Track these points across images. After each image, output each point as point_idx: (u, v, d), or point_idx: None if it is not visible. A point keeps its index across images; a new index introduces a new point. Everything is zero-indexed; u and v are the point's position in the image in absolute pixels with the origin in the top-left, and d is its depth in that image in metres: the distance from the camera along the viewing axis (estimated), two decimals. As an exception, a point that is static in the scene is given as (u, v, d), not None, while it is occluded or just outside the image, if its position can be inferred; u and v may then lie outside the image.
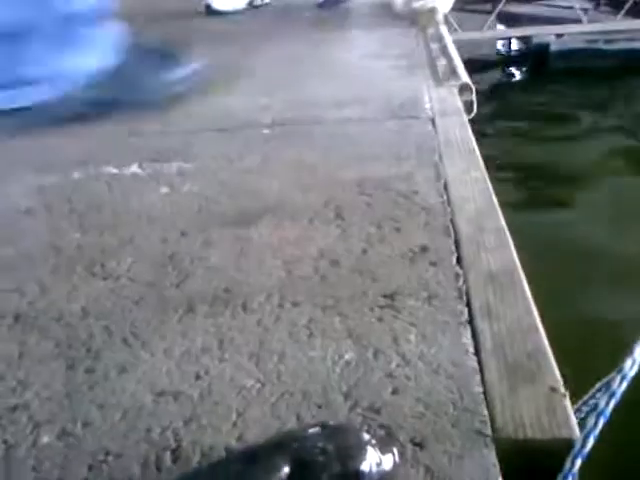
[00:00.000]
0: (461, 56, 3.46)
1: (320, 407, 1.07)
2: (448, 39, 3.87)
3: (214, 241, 1.66)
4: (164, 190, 2.02)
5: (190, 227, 1.75)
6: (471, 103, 2.80)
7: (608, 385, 1.01)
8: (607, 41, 9.47)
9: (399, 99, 2.76)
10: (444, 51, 3.56)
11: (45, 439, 1.04)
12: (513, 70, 9.83)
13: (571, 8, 8.69)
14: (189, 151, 2.34)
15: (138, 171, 2.18)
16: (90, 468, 0.97)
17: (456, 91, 2.85)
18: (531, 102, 7.97)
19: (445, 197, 1.81)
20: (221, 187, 2.00)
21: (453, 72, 3.10)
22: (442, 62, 3.34)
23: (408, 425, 1.02)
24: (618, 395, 0.97)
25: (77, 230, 1.78)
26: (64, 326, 1.34)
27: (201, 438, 1.02)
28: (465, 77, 2.98)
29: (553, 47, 9.32)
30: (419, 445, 0.98)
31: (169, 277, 1.50)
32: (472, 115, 2.69)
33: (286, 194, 1.91)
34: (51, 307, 1.42)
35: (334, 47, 4.16)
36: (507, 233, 1.60)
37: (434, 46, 3.73)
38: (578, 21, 8.51)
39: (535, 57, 9.43)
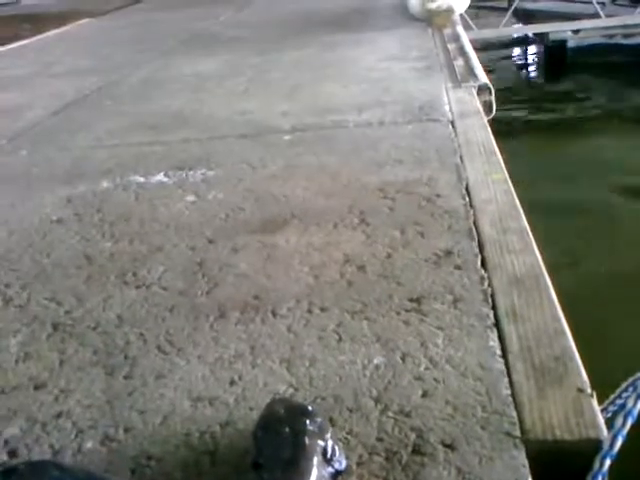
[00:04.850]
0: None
1: (351, 411, 1.10)
2: (465, 39, 3.88)
3: (241, 248, 1.70)
4: (190, 198, 2.06)
5: (217, 235, 1.79)
6: (490, 104, 2.82)
7: (635, 385, 1.03)
8: (625, 35, 9.36)
9: (418, 102, 2.78)
10: (461, 52, 3.57)
11: (89, 444, 1.08)
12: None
13: (588, 2, 8.60)
14: (212, 159, 2.39)
15: (164, 179, 2.23)
16: (133, 472, 1.01)
17: (475, 92, 2.87)
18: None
19: (467, 199, 1.83)
20: (246, 194, 2.04)
21: (471, 72, 3.11)
22: (460, 62, 3.35)
23: (438, 427, 1.05)
24: (646, 396, 0.98)
25: (108, 239, 1.84)
26: (101, 334, 1.39)
27: (238, 442, 1.05)
28: (483, 77, 3.00)
29: (570, 43, 9.23)
30: (450, 447, 1.01)
31: (199, 285, 1.55)
32: (492, 115, 2.71)
33: (310, 200, 1.94)
34: (87, 316, 1.46)
35: (352, 50, 4.19)
36: (530, 235, 1.62)
37: (451, 46, 3.74)
38: (595, 16, 8.43)
39: (552, 54, 9.35)
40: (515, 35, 10.31)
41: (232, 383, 1.19)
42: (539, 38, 9.79)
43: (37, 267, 1.72)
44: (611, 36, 9.30)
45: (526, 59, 10.27)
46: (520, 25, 9.42)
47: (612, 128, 6.49)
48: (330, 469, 0.91)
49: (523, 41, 10.32)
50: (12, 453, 1.08)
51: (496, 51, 9.74)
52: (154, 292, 1.54)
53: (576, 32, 9.06)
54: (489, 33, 8.30)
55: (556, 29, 8.81)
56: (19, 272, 1.70)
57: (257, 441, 0.95)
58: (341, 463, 0.93)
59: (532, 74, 9.75)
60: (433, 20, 4.42)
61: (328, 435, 0.94)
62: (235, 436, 1.07)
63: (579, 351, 1.21)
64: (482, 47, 7.91)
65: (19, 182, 2.38)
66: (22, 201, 2.19)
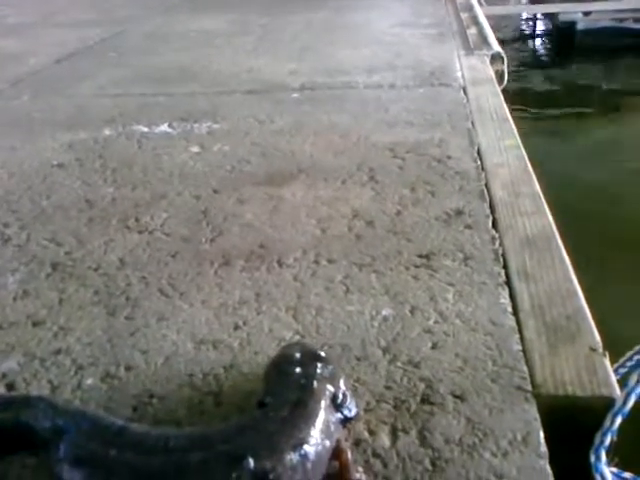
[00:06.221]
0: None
1: (359, 360, 1.07)
2: (478, 9, 3.81)
3: (247, 199, 1.66)
4: (195, 149, 2.02)
5: (222, 185, 1.75)
6: (502, 72, 2.76)
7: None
8: (637, 19, 9.24)
9: (430, 67, 2.73)
10: (474, 21, 3.50)
11: (89, 381, 1.05)
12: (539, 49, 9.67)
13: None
14: (218, 112, 2.33)
15: (168, 130, 2.18)
16: (135, 409, 0.99)
17: (487, 60, 2.81)
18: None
19: (479, 163, 1.79)
20: (252, 147, 1.99)
21: (484, 41, 3.05)
22: (472, 31, 3.29)
23: (447, 379, 1.02)
24: (662, 355, 0.96)
25: (110, 185, 1.79)
26: (102, 275, 1.35)
27: (242, 385, 1.03)
28: (496, 46, 2.94)
29: (580, 25, 9.11)
30: (459, 397, 0.98)
31: (204, 232, 1.51)
32: (504, 84, 2.66)
33: (318, 156, 1.90)
34: (88, 257, 1.43)
35: (362, 15, 4.11)
36: (543, 199, 1.59)
37: (464, 15, 3.67)
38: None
39: (561, 36, 9.23)
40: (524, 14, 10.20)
41: (236, 328, 1.17)
42: (548, 20, 9.68)
43: (37, 209, 1.67)
44: (621, 20, 9.17)
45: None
46: (530, 4, 9.30)
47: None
48: (339, 415, 0.89)
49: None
50: (10, 386, 1.05)
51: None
52: (157, 237, 1.50)
53: (587, 14, 8.95)
54: (499, 10, 8.19)
55: (566, 10, 8.70)
56: (18, 213, 1.66)
57: (265, 382, 0.93)
58: (351, 410, 0.91)
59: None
60: (446, -11, 4.33)
61: (340, 382, 0.91)
62: (239, 379, 1.04)
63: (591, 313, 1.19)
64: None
65: (20, 126, 2.33)
66: (22, 145, 2.13)
